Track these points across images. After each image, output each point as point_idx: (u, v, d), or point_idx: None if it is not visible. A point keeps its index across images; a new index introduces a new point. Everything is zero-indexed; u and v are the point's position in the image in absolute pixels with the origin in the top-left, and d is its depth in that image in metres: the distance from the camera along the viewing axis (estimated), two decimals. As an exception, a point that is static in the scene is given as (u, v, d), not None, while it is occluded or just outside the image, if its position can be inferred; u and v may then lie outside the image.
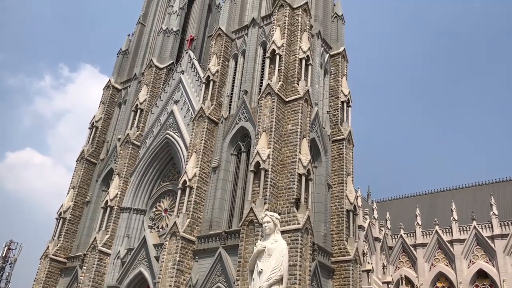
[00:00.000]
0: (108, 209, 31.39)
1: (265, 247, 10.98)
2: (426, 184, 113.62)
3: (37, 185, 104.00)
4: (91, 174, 36.60)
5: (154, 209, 32.44)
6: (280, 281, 10.62)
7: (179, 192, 27.44)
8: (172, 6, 39.89)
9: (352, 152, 30.05)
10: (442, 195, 51.97)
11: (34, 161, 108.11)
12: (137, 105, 34.93)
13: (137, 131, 34.11)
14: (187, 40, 37.10)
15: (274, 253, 10.94)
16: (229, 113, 29.73)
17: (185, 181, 27.26)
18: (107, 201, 31.48)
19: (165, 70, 36.80)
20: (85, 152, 36.60)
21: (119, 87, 39.87)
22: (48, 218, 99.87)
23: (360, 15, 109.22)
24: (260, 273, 10.74)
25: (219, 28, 32.47)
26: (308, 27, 29.45)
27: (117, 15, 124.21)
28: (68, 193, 35.52)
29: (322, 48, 31.69)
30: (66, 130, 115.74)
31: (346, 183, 28.27)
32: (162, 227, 31.03)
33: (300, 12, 29.10)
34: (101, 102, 39.52)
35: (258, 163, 24.33)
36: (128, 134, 33.90)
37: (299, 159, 24.44)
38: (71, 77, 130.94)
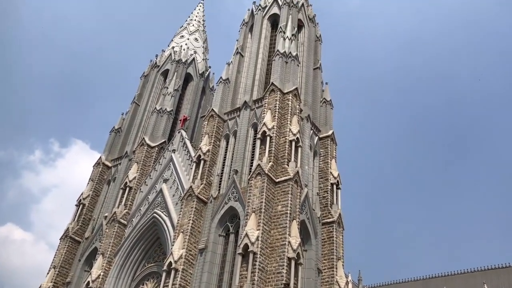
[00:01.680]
0: None
1: None
2: (418, 269, 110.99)
3: (16, 263, 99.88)
4: (74, 253, 35.39)
5: None
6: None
7: (164, 274, 26.43)
8: (167, 88, 41.21)
9: (342, 236, 29.66)
10: (434, 281, 50.71)
11: (14, 236, 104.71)
12: (126, 183, 34.75)
13: (124, 210, 33.57)
14: (180, 120, 37.88)
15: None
16: (219, 192, 29.59)
17: (170, 263, 26.37)
18: (88, 282, 30.16)
19: (156, 148, 37.15)
20: (69, 230, 35.69)
21: (110, 165, 39.89)
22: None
23: (349, 99, 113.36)
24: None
25: (212, 109, 33.35)
26: (298, 111, 30.35)
27: (112, 93, 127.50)
28: (48, 273, 34.06)
29: (312, 131, 32.46)
30: (51, 206, 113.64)
31: (336, 268, 27.51)
32: None
33: (290, 97, 30.14)
34: (90, 179, 39.29)
35: (246, 246, 23.77)
36: (115, 212, 33.30)
37: (289, 242, 23.96)
38: (61, 152, 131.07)
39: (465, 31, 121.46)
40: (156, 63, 44.89)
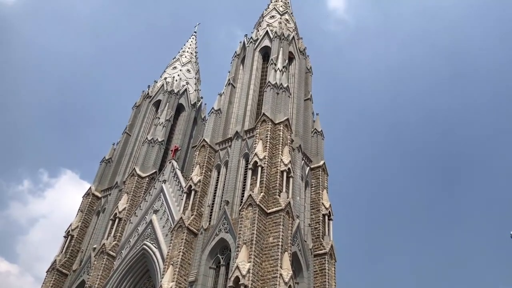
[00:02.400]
0: None
1: None
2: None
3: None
4: (61, 287, 34.49)
5: None
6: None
7: None
8: (159, 118, 41.31)
9: (334, 268, 29.31)
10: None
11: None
12: (115, 213, 34.29)
13: (113, 241, 33.00)
14: (171, 150, 37.83)
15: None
16: (210, 224, 29.27)
17: None
18: None
19: (147, 179, 36.88)
20: (57, 262, 34.89)
21: (99, 195, 39.45)
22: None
23: (341, 131, 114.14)
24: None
25: (204, 139, 33.38)
26: (289, 141, 30.49)
27: (103, 123, 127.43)
28: (32, 308, 33.05)
29: (303, 161, 32.52)
30: (39, 237, 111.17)
31: (329, 301, 27.12)
32: None
33: (281, 127, 30.32)
34: (79, 210, 38.74)
35: (237, 278, 23.37)
36: (104, 244, 32.71)
37: (280, 274, 23.60)
38: (50, 182, 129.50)
39: (452, 64, 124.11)
40: (148, 93, 45.18)
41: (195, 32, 48.29)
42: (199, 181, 30.90)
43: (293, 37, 39.06)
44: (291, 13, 41.61)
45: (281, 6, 41.04)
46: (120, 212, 34.29)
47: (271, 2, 41.98)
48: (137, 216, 34.04)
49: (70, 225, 37.33)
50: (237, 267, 23.62)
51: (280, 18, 39.48)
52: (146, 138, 39.82)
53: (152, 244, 30.98)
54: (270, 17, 39.97)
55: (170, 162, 35.69)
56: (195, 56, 48.22)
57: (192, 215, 29.25)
